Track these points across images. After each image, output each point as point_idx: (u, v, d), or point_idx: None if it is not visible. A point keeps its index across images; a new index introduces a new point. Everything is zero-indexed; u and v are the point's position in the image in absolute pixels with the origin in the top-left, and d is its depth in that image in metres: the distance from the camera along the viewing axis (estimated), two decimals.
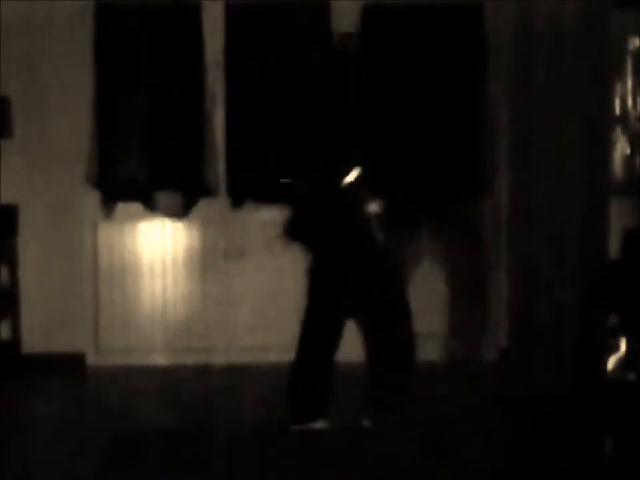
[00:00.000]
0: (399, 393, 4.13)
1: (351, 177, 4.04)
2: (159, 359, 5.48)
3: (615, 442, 3.79)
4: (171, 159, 5.51)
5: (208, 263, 5.55)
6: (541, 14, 4.84)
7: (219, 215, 5.51)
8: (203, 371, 5.30)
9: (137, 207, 5.50)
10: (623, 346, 4.03)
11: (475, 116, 5.54)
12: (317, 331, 4.14)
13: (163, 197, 5.49)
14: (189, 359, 5.45)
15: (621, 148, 4.78)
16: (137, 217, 5.51)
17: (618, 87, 4.71)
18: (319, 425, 4.16)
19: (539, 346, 4.64)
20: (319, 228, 4.09)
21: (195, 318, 5.53)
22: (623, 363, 3.99)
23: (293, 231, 4.21)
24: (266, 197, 5.41)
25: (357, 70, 4.20)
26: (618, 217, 4.33)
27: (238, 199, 5.47)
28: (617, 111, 4.74)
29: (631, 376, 3.94)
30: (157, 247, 5.57)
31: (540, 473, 3.65)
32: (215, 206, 5.50)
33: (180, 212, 5.50)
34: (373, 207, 4.12)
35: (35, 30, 5.42)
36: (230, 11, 5.54)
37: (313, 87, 4.26)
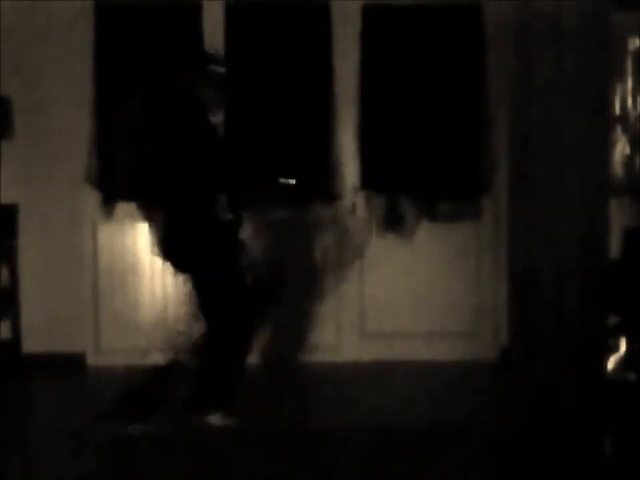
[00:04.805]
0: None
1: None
2: (159, 359, 5.47)
3: (614, 442, 3.79)
4: None
5: None
6: (541, 14, 4.83)
7: None
8: None
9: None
10: (623, 346, 4.02)
11: (475, 115, 5.54)
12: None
13: None
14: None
15: (621, 148, 4.79)
16: (137, 217, 5.51)
17: (618, 87, 4.72)
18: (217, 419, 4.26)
19: (539, 346, 4.63)
20: (193, 253, 4.24)
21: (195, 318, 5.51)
22: (623, 363, 3.99)
23: (166, 252, 4.36)
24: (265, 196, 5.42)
25: None
26: (618, 217, 4.33)
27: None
28: (617, 110, 4.75)
29: (631, 376, 3.94)
30: None
31: (540, 473, 3.65)
32: None
33: None
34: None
35: (35, 30, 5.42)
36: (230, 10, 5.54)
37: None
